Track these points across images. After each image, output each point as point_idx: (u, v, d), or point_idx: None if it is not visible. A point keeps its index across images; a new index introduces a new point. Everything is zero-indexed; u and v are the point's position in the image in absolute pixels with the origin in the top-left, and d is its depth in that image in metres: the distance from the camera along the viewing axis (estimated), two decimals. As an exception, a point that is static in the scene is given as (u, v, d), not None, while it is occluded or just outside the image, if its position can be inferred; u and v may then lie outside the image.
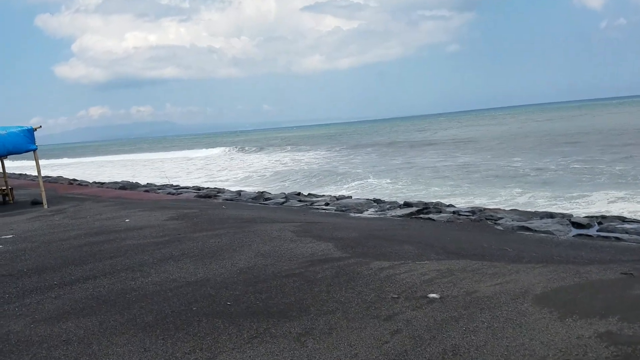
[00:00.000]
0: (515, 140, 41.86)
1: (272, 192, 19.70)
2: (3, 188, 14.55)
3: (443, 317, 3.80)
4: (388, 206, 13.09)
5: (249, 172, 34.90)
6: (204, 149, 70.40)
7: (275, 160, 43.24)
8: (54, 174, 37.05)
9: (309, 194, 17.43)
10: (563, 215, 9.88)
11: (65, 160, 77.62)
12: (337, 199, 15.20)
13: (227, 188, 22.42)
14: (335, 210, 12.83)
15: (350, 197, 15.81)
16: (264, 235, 7.43)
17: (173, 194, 18.26)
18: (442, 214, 11.17)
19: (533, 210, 11.40)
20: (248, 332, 3.80)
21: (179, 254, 6.44)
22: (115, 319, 4.23)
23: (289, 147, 63.07)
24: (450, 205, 12.67)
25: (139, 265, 6.00)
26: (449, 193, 19.16)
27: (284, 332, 3.78)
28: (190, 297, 4.68)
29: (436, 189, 20.66)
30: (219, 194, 17.65)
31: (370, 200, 14.59)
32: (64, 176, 32.71)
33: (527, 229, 8.65)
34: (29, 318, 4.36)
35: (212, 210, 10.88)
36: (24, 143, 11.30)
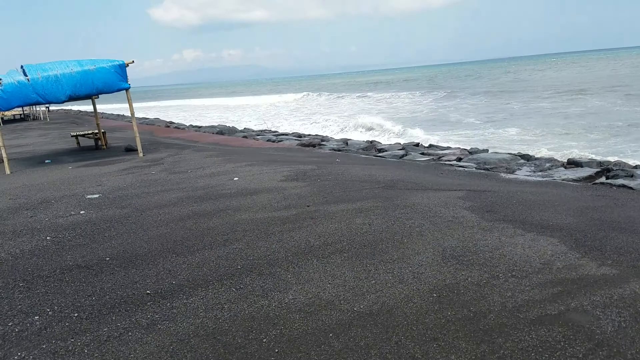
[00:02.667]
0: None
1: (383, 142, 17.33)
2: (95, 132, 13.14)
3: None
4: (548, 165, 10.23)
5: (344, 116, 32.50)
6: (292, 93, 68.68)
7: (370, 106, 40.41)
8: (151, 115, 37.03)
9: (430, 145, 14.84)
10: None
11: (162, 102, 79.53)
12: (470, 153, 12.50)
13: (327, 135, 20.34)
14: (475, 168, 10.22)
15: (486, 150, 13.00)
16: (430, 214, 5.12)
17: (273, 141, 16.48)
18: (636, 180, 8.23)
19: None
20: None
21: (319, 244, 4.33)
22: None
23: (383, 91, 59.55)
24: (638, 167, 9.59)
25: (267, 262, 3.96)
26: (595, 146, 15.77)
27: None
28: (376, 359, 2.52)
29: (573, 143, 17.20)
30: (323, 142, 15.60)
31: (515, 155, 11.73)
32: (161, 118, 32.35)
33: None
34: (101, 386, 2.43)
35: (330, 166, 8.74)
36: (115, 81, 9.60)
